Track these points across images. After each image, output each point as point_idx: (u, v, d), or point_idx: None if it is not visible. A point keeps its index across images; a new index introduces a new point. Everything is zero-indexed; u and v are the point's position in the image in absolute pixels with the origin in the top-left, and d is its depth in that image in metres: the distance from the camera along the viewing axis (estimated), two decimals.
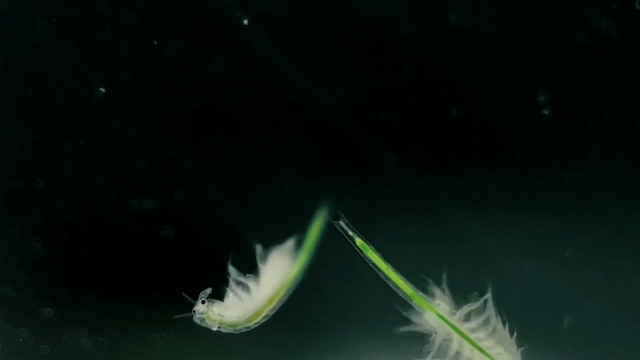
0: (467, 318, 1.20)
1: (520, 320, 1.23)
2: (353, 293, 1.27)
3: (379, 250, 1.24)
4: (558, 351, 1.24)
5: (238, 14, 1.23)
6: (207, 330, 1.27)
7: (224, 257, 1.28)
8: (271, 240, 1.26)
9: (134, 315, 1.28)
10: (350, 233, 1.22)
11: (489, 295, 1.20)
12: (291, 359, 1.29)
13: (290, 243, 1.24)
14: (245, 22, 1.23)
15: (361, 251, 1.21)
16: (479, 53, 1.26)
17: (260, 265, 1.24)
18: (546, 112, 1.23)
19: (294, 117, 1.27)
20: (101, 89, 1.23)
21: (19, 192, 1.28)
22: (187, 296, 1.22)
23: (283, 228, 1.27)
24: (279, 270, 1.23)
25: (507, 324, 1.20)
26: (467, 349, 1.19)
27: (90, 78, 1.26)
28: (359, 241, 1.21)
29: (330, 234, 1.26)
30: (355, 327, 1.27)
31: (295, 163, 1.28)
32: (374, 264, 1.21)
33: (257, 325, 1.23)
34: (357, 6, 1.26)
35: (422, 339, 1.25)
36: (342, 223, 1.22)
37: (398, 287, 1.21)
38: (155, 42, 1.26)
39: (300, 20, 1.26)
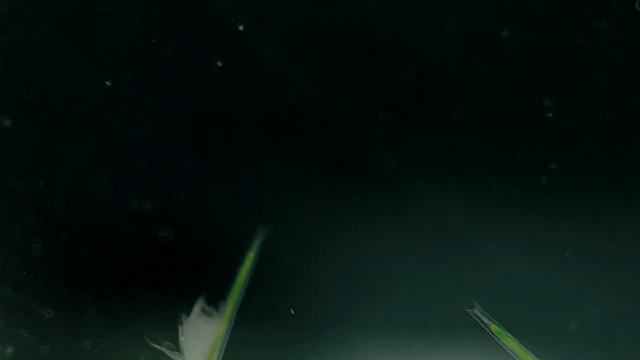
0: None
1: (520, 320, 1.23)
2: (353, 293, 1.27)
3: (379, 248, 1.24)
4: (558, 351, 1.24)
5: (233, 20, 1.23)
6: None
7: (224, 258, 1.28)
8: (267, 245, 1.26)
9: (134, 316, 1.28)
10: (485, 320, 1.20)
11: None
12: (291, 359, 1.29)
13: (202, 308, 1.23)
14: (241, 27, 1.22)
15: (498, 338, 1.20)
16: (478, 53, 1.25)
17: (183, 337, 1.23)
18: (550, 115, 1.23)
19: (294, 117, 1.27)
20: (107, 83, 1.23)
21: (19, 193, 1.27)
22: None
23: (282, 228, 1.27)
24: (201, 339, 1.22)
25: None
26: None
27: (90, 79, 1.26)
28: (494, 328, 1.20)
29: (329, 234, 1.26)
30: (355, 327, 1.27)
31: (295, 163, 1.28)
32: (511, 350, 1.20)
33: None
34: (357, 7, 1.25)
35: (421, 340, 1.25)
36: (476, 311, 1.21)
37: None
38: (153, 40, 1.26)
39: (300, 21, 1.26)
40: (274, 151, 1.27)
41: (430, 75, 1.26)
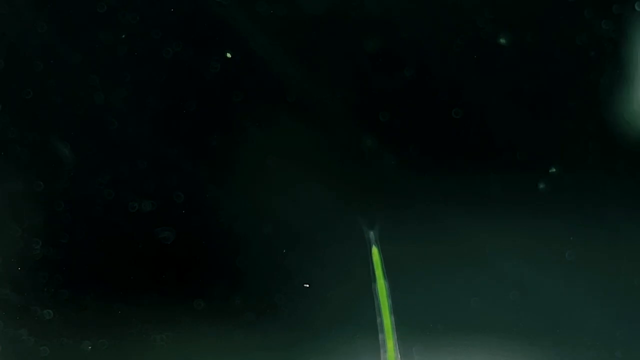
0: None
1: (519, 320, 1.24)
2: (353, 293, 1.27)
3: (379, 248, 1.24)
4: (558, 352, 1.25)
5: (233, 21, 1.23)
6: (206, 331, 1.27)
7: (223, 259, 1.28)
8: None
9: (134, 317, 1.28)
10: None
11: None
12: (291, 359, 1.29)
13: None
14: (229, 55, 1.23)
15: None
16: (478, 53, 1.25)
17: None
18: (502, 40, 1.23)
19: (293, 117, 1.27)
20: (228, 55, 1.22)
21: (19, 194, 1.27)
22: None
23: (282, 229, 1.27)
24: None
25: None
26: None
27: (89, 79, 1.26)
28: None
29: (328, 234, 1.26)
30: (355, 327, 1.27)
31: (295, 164, 1.28)
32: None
33: None
34: (357, 7, 1.25)
35: (421, 340, 1.25)
36: None
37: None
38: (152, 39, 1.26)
39: (300, 22, 1.26)
40: (274, 152, 1.27)
41: (429, 76, 1.26)
